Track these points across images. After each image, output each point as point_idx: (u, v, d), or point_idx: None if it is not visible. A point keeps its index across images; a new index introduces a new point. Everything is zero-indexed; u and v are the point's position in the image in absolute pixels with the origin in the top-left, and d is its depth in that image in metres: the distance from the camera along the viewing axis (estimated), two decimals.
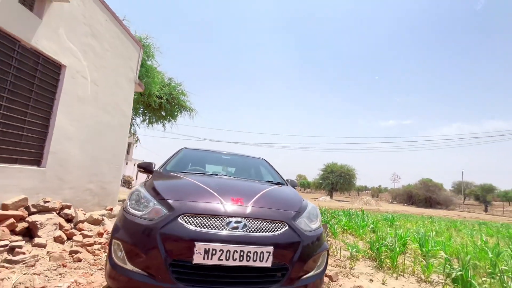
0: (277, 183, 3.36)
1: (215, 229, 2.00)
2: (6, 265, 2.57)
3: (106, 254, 3.24)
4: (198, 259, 1.88)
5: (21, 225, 3.24)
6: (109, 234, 2.98)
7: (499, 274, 3.11)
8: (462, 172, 60.02)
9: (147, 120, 13.33)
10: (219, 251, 1.92)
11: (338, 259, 4.23)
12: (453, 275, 3.20)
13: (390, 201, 49.46)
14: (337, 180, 43.73)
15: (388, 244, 4.47)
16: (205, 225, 2.01)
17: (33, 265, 2.70)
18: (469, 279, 2.96)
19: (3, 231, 2.96)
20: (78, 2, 4.11)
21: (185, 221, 2.00)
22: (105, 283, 2.48)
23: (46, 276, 2.52)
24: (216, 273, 1.93)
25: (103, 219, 4.78)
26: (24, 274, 2.47)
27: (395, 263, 3.90)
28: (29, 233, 3.32)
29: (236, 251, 1.93)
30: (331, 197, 42.49)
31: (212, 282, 1.94)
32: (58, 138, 4.07)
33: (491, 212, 36.34)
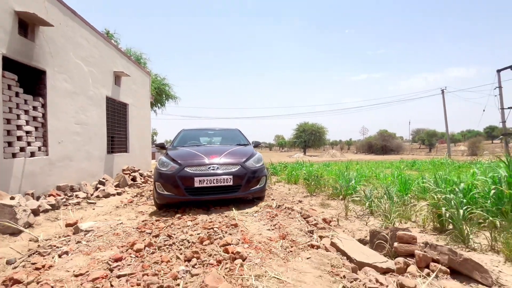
0: (243, 144, 5.07)
1: (203, 171, 3.72)
2: (140, 186, 7.32)
3: (152, 188, 4.77)
4: (196, 184, 3.60)
5: (130, 177, 7.87)
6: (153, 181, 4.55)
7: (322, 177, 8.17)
8: (409, 122, 69.27)
9: None
10: (206, 180, 3.62)
11: (270, 183, 9.20)
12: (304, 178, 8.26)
13: (355, 152, 56.21)
14: (309, 138, 47.05)
15: (297, 174, 9.44)
16: (198, 169, 3.73)
17: (143, 186, 7.45)
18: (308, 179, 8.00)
19: (136, 177, 7.59)
20: (130, 72, 8.25)
21: (188, 169, 3.71)
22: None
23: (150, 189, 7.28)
24: (206, 190, 3.69)
25: (150, 175, 9.49)
26: (145, 188, 7.25)
27: (295, 180, 8.80)
28: (134, 180, 7.94)
29: (214, 179, 3.65)
30: (305, 153, 47.40)
31: (204, 194, 3.71)
32: (130, 138, 8.53)
33: (431, 153, 44.13)
